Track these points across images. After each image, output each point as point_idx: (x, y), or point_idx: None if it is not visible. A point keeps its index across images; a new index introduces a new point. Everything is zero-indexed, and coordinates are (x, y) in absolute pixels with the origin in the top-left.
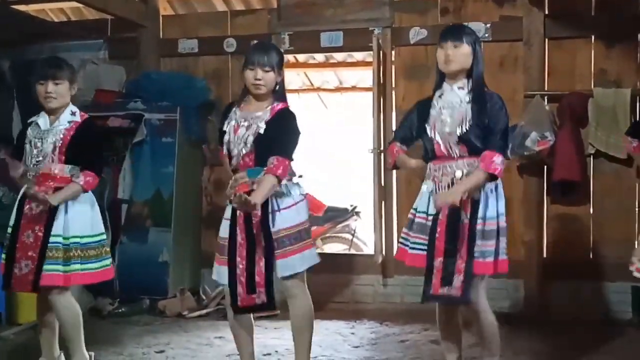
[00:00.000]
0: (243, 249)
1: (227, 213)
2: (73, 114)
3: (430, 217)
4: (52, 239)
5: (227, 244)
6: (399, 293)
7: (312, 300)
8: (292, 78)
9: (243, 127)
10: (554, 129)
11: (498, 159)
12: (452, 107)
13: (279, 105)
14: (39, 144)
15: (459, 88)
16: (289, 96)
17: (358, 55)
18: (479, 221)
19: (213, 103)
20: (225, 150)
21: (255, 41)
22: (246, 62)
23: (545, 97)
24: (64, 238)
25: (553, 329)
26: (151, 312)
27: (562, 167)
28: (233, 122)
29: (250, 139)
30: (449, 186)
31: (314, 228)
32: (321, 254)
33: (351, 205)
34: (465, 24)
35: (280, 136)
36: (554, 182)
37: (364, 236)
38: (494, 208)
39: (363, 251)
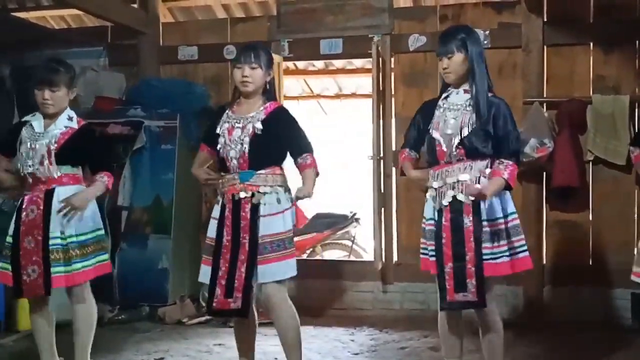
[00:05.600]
0: (227, 252)
1: (216, 213)
2: (70, 119)
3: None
4: (51, 242)
5: (213, 244)
6: (399, 300)
7: (313, 307)
8: (292, 85)
9: (238, 129)
10: (552, 136)
11: (515, 170)
12: (457, 109)
13: (272, 105)
14: (33, 146)
15: (464, 91)
16: (288, 103)
17: (357, 62)
18: (486, 224)
19: (213, 110)
20: (222, 154)
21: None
22: (234, 62)
23: (544, 104)
24: (62, 239)
25: (552, 336)
26: (151, 319)
27: (561, 174)
28: (227, 125)
29: (247, 139)
30: (447, 192)
31: (313, 235)
32: (321, 261)
33: (351, 212)
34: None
35: (294, 134)
36: (553, 189)
37: (364, 243)
38: (499, 209)
39: (363, 258)
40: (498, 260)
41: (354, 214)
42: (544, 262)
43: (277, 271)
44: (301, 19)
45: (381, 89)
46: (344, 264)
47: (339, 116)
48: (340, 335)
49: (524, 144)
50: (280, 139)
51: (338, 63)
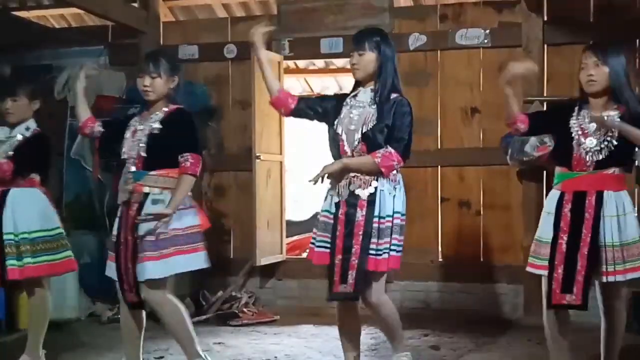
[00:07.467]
0: (124, 249)
1: (119, 212)
2: (27, 129)
3: (332, 216)
4: (5, 237)
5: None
6: (399, 298)
7: (313, 306)
8: (292, 84)
9: (140, 131)
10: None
11: (395, 160)
12: (362, 106)
13: (173, 107)
14: None
15: (371, 90)
16: None
17: None
18: (375, 219)
19: (213, 109)
20: (123, 155)
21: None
22: (138, 70)
23: (544, 103)
24: (14, 235)
25: None
26: (150, 318)
27: None
28: (132, 128)
29: (144, 139)
30: (347, 185)
31: (311, 233)
32: None
33: None
34: (465, 29)
35: (182, 134)
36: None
37: None
38: (390, 207)
39: None
40: (382, 257)
41: None
42: None
43: (150, 270)
44: (302, 18)
45: None
46: None
47: None
48: None
49: (524, 143)
50: (176, 139)
51: (339, 62)
